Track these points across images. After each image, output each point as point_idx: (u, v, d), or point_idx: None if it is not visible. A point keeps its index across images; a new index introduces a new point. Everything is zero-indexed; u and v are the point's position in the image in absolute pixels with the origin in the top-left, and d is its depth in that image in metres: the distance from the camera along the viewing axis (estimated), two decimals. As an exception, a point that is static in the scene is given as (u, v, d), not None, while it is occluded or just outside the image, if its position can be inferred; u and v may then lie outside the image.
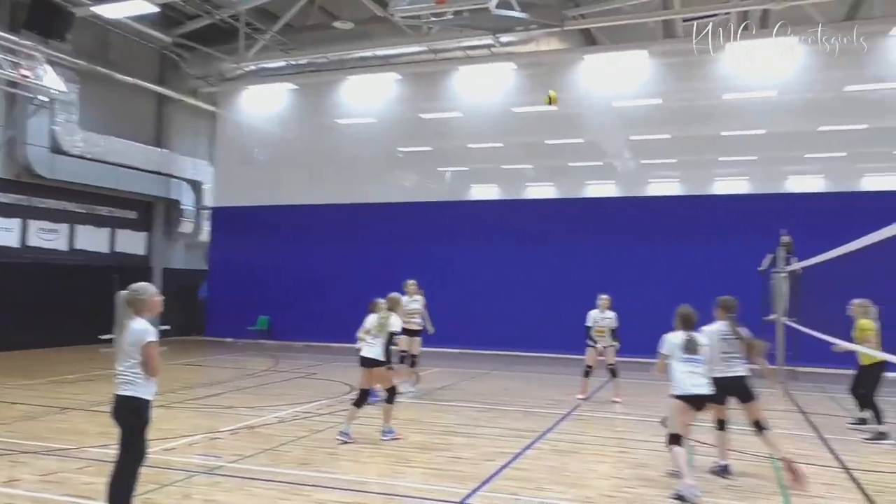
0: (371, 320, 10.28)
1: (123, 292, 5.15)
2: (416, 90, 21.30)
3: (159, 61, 22.33)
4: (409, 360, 11.94)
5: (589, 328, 11.68)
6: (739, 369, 7.15)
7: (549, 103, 10.61)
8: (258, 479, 6.56)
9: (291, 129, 22.72)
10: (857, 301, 9.29)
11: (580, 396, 11.66)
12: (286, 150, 22.67)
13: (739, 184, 19.35)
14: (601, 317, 11.68)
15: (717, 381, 6.86)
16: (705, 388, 6.64)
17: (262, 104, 23.04)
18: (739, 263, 16.38)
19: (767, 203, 17.33)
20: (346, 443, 8.10)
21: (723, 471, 7.12)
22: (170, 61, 22.13)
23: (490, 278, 19.52)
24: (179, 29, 20.63)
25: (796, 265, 13.09)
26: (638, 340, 17.58)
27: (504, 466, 7.21)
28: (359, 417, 8.54)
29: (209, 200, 23.75)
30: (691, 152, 19.60)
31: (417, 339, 12.05)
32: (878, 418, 9.10)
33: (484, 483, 6.58)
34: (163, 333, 21.82)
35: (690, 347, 6.78)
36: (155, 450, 7.49)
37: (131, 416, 5.03)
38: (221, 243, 23.00)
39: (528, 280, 19.07)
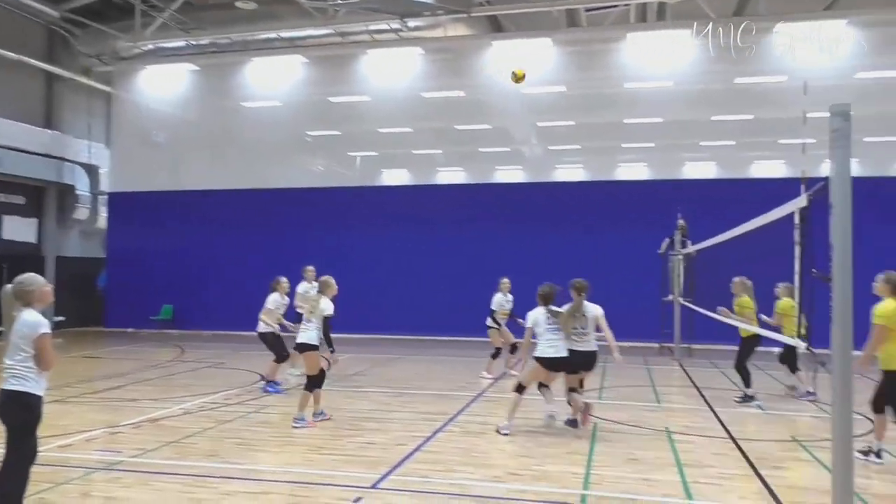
0: (273, 300, 10.26)
1: (8, 286, 4.88)
2: (324, 73, 20.94)
3: (47, 37, 21.01)
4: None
5: (493, 311, 11.94)
6: (590, 345, 8.18)
7: (517, 81, 10.48)
8: (162, 473, 6.36)
9: (193, 111, 21.89)
10: (737, 279, 9.96)
11: (487, 375, 11.94)
12: (188, 133, 21.85)
13: (640, 170, 20.12)
14: (505, 300, 11.96)
15: (571, 353, 8.03)
16: (562, 353, 7.93)
17: (162, 85, 22.07)
18: (640, 246, 17.07)
19: (665, 188, 18.09)
20: (297, 428, 8.20)
21: (571, 423, 8.17)
22: (59, 37, 20.85)
23: (401, 263, 19.54)
24: (69, 3, 19.45)
25: (691, 248, 13.75)
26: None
27: (415, 450, 7.27)
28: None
29: (106, 185, 22.61)
30: (595, 139, 20.19)
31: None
32: (747, 382, 9.96)
33: (395, 467, 6.62)
34: (57, 325, 20.72)
35: (551, 320, 8.02)
36: (48, 447, 7.12)
37: (22, 413, 4.75)
38: (120, 230, 21.97)
39: (440, 264, 19.22)
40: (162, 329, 20.54)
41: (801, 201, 5.74)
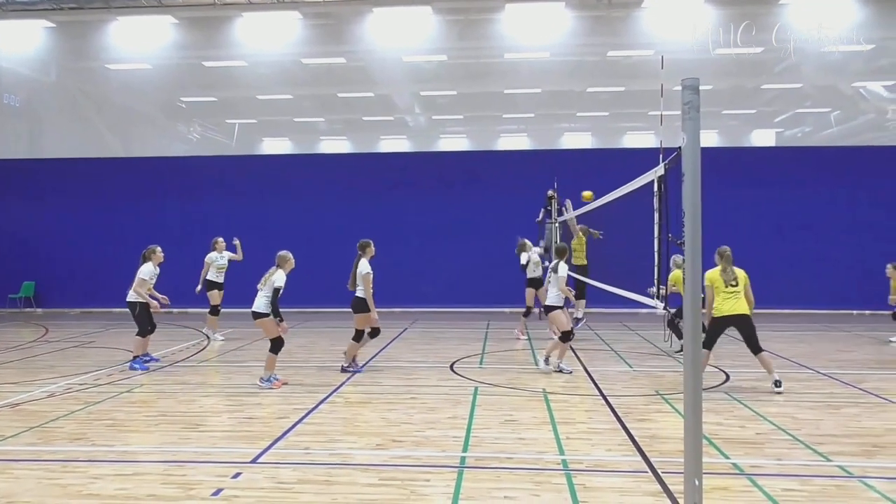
0: (147, 270, 10.25)
1: None
2: (196, 36, 19.90)
3: None
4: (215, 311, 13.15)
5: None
6: None
7: (587, 200, 12.27)
8: (22, 461, 5.97)
9: (52, 72, 20.27)
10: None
11: (520, 335, 13.02)
12: (47, 96, 20.25)
13: (521, 140, 20.57)
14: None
15: None
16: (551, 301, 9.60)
17: (14, 42, 20.23)
18: (522, 215, 17.52)
19: (545, 158, 18.59)
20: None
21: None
22: None
23: (284, 234, 19.06)
24: None
25: (567, 215, 14.24)
26: (427, 290, 18.47)
27: (297, 422, 7.20)
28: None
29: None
30: (477, 109, 20.43)
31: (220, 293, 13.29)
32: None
33: (276, 441, 6.53)
34: None
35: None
36: None
37: None
38: (-28, 201, 20.16)
39: (325, 235, 18.93)
40: (23, 308, 19.13)
41: (659, 170, 6.05)
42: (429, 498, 5.06)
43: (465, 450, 6.20)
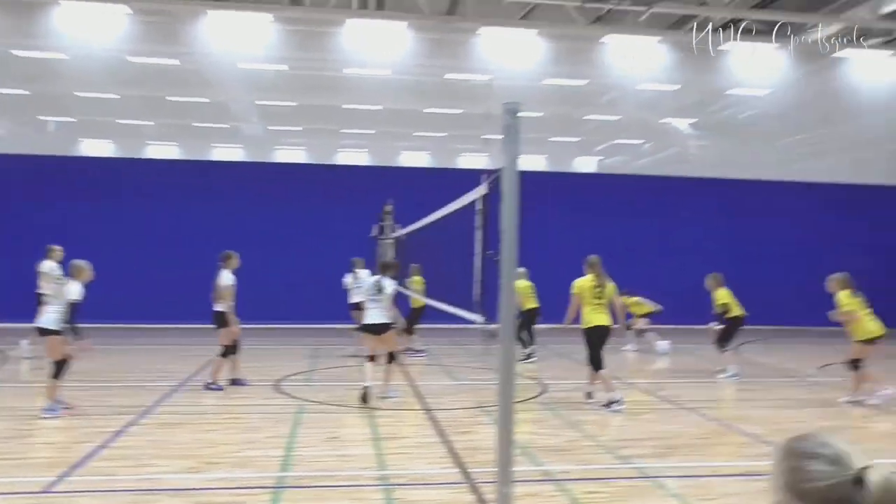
0: None
1: None
2: (5, 21, 18.05)
3: None
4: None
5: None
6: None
7: None
8: None
9: None
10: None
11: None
12: None
13: (360, 155, 20.59)
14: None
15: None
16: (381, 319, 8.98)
17: None
18: (358, 229, 17.50)
19: (383, 174, 18.74)
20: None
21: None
22: None
23: (101, 242, 17.68)
24: None
25: (400, 232, 14.41)
26: (256, 305, 17.84)
27: (101, 447, 6.64)
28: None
29: None
30: (318, 121, 20.17)
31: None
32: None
33: (75, 467, 5.99)
34: None
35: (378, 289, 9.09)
36: None
37: None
38: None
39: (148, 246, 17.78)
40: None
41: (482, 189, 6.29)
42: (241, 521, 4.85)
43: (284, 469, 6.04)
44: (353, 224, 17.69)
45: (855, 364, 8.92)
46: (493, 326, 7.12)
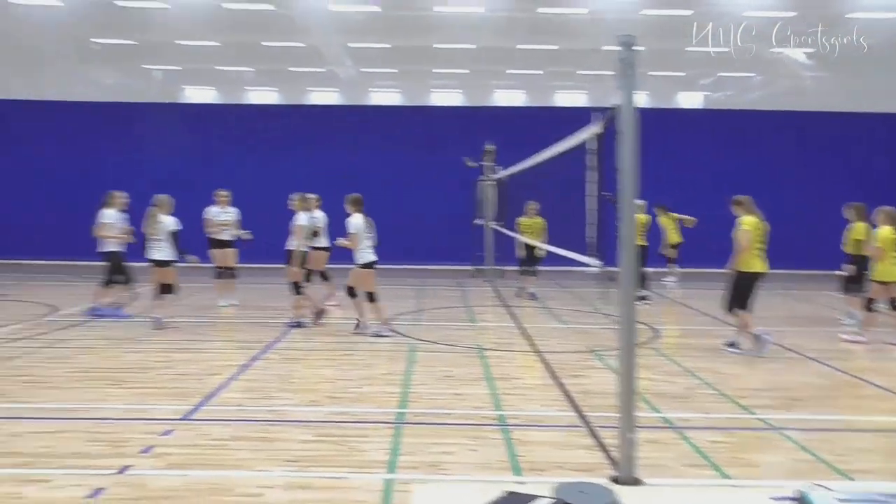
0: (109, 215, 9.99)
1: None
2: (107, -27, 18.65)
3: None
4: (228, 273, 11.70)
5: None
6: None
7: None
8: (-67, 422, 5.62)
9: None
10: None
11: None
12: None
13: (453, 96, 20.36)
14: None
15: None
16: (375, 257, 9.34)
17: None
18: (453, 172, 17.48)
19: (477, 115, 18.51)
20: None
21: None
22: None
23: (205, 186, 18.42)
24: None
25: (503, 174, 14.27)
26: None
27: (230, 379, 7.04)
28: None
29: None
30: (409, 63, 20.02)
31: (231, 252, 11.76)
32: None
33: (208, 397, 6.37)
34: None
35: (370, 227, 9.40)
36: None
37: None
38: None
39: (251, 188, 18.36)
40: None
41: (595, 128, 6.08)
42: (367, 454, 5.04)
43: (402, 406, 6.21)
44: (449, 165, 17.68)
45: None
46: (611, 269, 7.01)
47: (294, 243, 9.92)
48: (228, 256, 11.68)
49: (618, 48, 4.32)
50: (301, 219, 9.83)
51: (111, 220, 10.12)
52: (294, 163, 18.36)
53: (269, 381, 7.01)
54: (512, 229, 12.98)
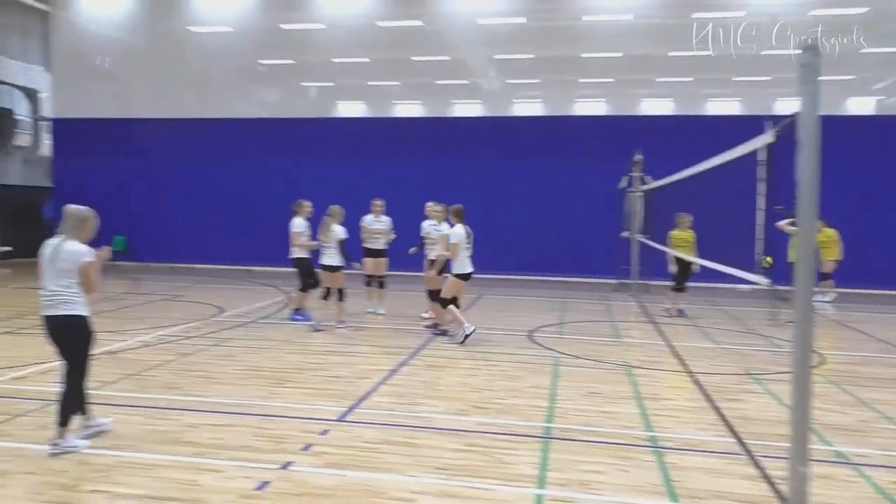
0: (298, 223, 10.71)
1: (72, 208, 5.41)
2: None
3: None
4: (377, 282, 11.86)
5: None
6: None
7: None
8: (122, 406, 6.21)
9: (138, 35, 20.70)
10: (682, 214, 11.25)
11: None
12: (134, 58, 20.73)
13: (598, 105, 19.97)
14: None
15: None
16: (472, 268, 9.58)
17: (103, 5, 20.76)
18: (598, 182, 17.12)
19: (623, 125, 18.01)
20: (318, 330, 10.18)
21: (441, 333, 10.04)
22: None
23: (356, 195, 19.21)
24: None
25: (652, 184, 13.78)
26: (502, 257, 18.33)
27: (380, 383, 7.25)
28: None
29: (48, 111, 21.44)
30: (554, 73, 19.88)
31: (383, 261, 11.86)
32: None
33: (360, 400, 6.60)
34: (3, 255, 19.95)
35: (469, 238, 9.56)
36: (3, 378, 6.99)
37: (80, 334, 5.20)
38: (66, 158, 20.90)
39: (398, 197, 18.94)
40: (115, 261, 19.96)
41: (767, 137, 5.71)
42: (515, 467, 5.00)
43: (549, 420, 6.11)
44: (594, 176, 17.34)
45: None
46: (782, 288, 6.56)
47: (434, 253, 10.34)
48: (381, 265, 11.82)
49: (785, 52, 4.06)
50: (445, 229, 10.00)
51: (300, 229, 10.69)
52: (437, 172, 18.72)
53: (416, 388, 7.15)
54: (660, 242, 12.48)
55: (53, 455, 5.02)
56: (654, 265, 14.51)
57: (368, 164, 19.15)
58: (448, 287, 9.55)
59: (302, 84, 21.20)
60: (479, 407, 6.51)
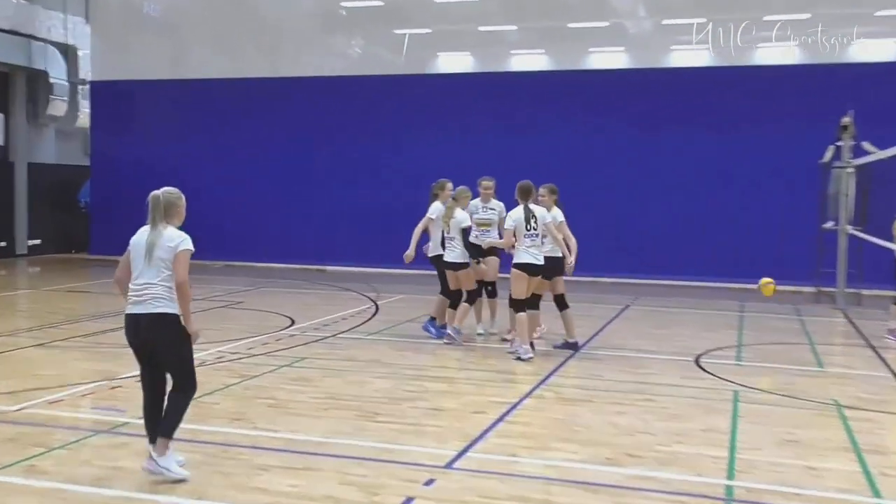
0: (435, 208, 10.68)
1: (160, 193, 5.82)
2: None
3: None
4: (486, 289, 11.10)
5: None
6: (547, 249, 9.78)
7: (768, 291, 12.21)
8: (178, 440, 6.39)
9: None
10: None
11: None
12: (189, 6, 21.64)
13: (789, 51, 19.18)
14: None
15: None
16: (540, 259, 9.51)
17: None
18: (788, 156, 16.50)
19: (825, 76, 17.28)
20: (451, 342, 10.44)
21: (566, 346, 10.24)
22: None
23: (461, 172, 19.26)
24: None
25: (872, 154, 13.19)
26: (653, 256, 17.96)
27: (498, 420, 7.20)
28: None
29: (88, 72, 22.73)
30: (725, 10, 19.26)
31: (493, 260, 10.88)
32: None
33: (474, 441, 6.56)
34: (31, 249, 21.31)
35: (529, 221, 9.50)
36: (34, 403, 7.43)
37: (175, 334, 5.50)
38: (106, 130, 22.16)
39: (514, 174, 18.87)
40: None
41: None
42: (687, 538, 4.82)
43: (730, 476, 5.91)
44: (784, 147, 16.72)
45: None
46: None
47: (487, 239, 10.61)
48: (490, 267, 10.80)
49: None
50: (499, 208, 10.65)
51: (435, 215, 10.64)
52: (564, 144, 18.52)
53: (547, 427, 7.10)
54: (882, 236, 11.92)
55: (147, 471, 5.45)
56: (870, 267, 13.91)
57: (475, 133, 19.20)
58: (512, 283, 9.68)
59: (394, 32, 21.46)
60: (633, 455, 6.35)
